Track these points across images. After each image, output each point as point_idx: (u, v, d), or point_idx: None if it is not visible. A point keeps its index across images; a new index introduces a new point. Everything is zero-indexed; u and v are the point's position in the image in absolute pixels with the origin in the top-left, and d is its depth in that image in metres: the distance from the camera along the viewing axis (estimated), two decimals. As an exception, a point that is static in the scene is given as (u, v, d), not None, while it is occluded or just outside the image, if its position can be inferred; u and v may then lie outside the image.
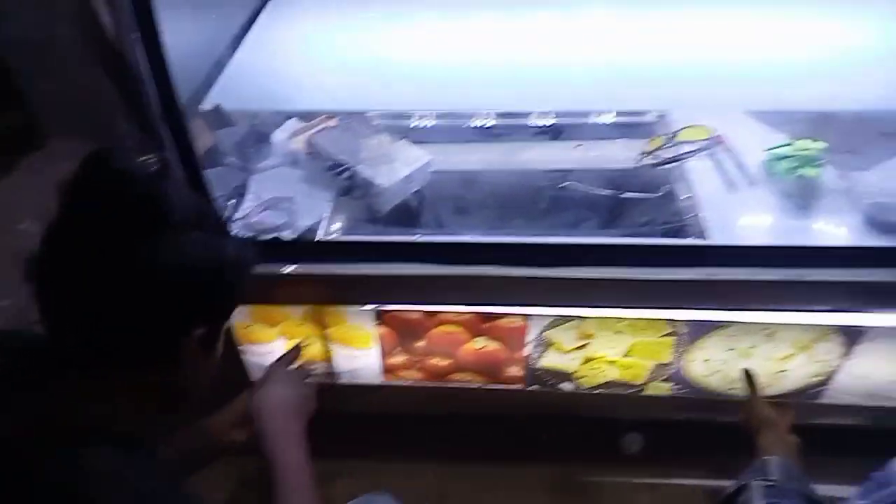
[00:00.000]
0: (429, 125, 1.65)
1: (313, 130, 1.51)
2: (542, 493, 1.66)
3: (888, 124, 1.44)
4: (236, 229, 1.33)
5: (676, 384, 1.52)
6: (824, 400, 1.51)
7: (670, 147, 1.52)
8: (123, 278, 0.66)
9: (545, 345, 1.46)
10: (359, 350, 1.51)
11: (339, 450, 1.51)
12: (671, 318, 1.38)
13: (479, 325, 1.43)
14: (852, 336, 1.37)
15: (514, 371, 1.53)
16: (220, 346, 0.81)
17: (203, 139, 1.37)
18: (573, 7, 1.67)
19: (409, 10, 1.71)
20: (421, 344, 1.48)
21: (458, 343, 1.47)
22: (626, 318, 1.39)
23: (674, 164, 1.49)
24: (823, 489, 0.98)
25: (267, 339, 1.50)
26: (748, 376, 1.24)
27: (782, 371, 1.45)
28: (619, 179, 1.54)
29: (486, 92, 1.49)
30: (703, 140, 1.52)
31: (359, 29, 1.69)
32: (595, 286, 1.30)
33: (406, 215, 1.48)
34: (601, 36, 1.60)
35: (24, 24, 1.03)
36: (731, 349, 1.42)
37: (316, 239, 1.35)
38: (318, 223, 1.38)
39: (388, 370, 1.56)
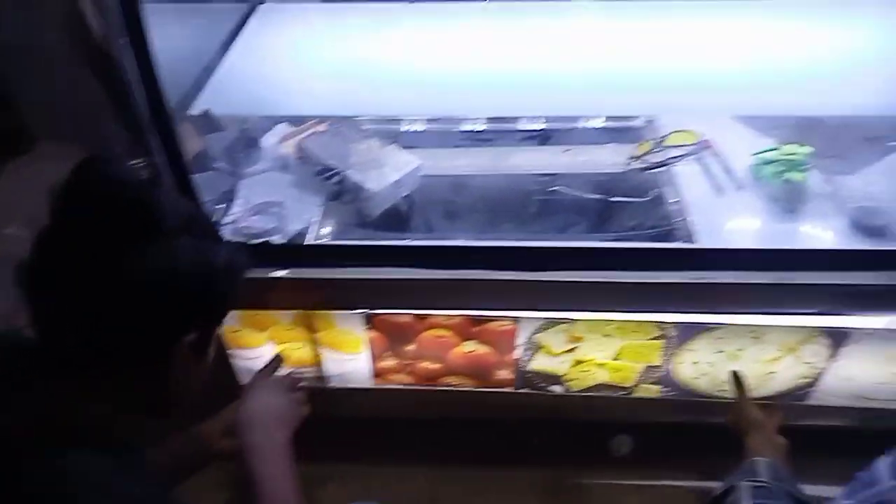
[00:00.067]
0: (418, 130, 1.66)
1: (303, 135, 1.51)
2: (533, 496, 1.66)
3: (873, 129, 1.46)
4: (225, 234, 1.33)
5: (665, 386, 1.53)
6: (811, 401, 1.52)
7: (659, 152, 1.53)
8: (116, 284, 0.66)
9: (535, 348, 1.46)
10: (349, 354, 1.50)
11: (330, 454, 1.51)
12: (660, 320, 1.39)
13: (468, 329, 1.44)
14: (838, 338, 1.38)
15: (504, 374, 1.53)
16: (212, 351, 0.81)
17: (192, 144, 1.37)
18: (562, 13, 1.68)
19: (399, 15, 1.71)
20: (411, 348, 1.48)
21: (448, 347, 1.48)
22: (615, 321, 1.39)
23: (662, 168, 1.50)
24: (811, 490, 0.99)
25: (256, 344, 1.50)
26: (736, 378, 1.24)
27: (770, 373, 1.47)
28: (607, 184, 1.55)
29: (475, 97, 1.50)
30: (691, 145, 1.53)
31: (348, 34, 1.69)
32: (584, 290, 1.30)
33: (396, 220, 1.49)
34: (590, 42, 1.61)
35: (11, 28, 1.02)
36: (720, 351, 1.43)
37: (305, 243, 1.35)
38: (307, 228, 1.38)
39: (378, 374, 1.56)
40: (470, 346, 1.47)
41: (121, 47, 1.01)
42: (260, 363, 1.10)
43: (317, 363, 1.53)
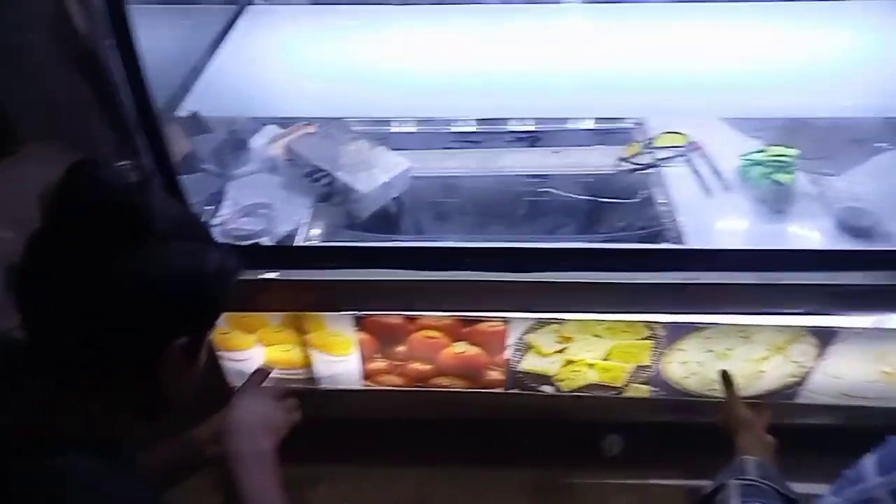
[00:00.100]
0: (408, 131, 1.66)
1: (292, 136, 1.51)
2: (524, 496, 1.66)
3: (859, 131, 1.48)
4: (214, 235, 1.32)
5: (655, 386, 1.53)
6: (800, 400, 1.53)
7: (647, 153, 1.54)
8: (107, 288, 0.65)
9: (525, 348, 1.46)
10: (339, 356, 1.50)
11: (321, 455, 1.50)
12: (649, 320, 1.39)
13: (458, 330, 1.44)
14: (825, 337, 1.39)
15: (495, 375, 1.53)
16: (203, 354, 0.80)
17: (180, 145, 1.36)
18: (552, 16, 1.68)
19: (389, 16, 1.71)
20: (401, 349, 1.48)
21: (438, 348, 1.48)
22: (605, 322, 1.40)
23: (651, 169, 1.51)
24: (799, 487, 1.00)
25: (245, 346, 1.49)
26: (725, 377, 1.25)
27: (759, 372, 1.48)
28: (597, 185, 1.56)
29: (465, 98, 1.50)
30: (680, 146, 1.54)
31: (338, 35, 1.69)
32: (574, 290, 1.31)
33: (385, 221, 1.48)
34: (579, 44, 1.61)
35: (-4, 29, 1.01)
36: (709, 351, 1.44)
37: (295, 245, 1.35)
38: (296, 229, 1.37)
39: (368, 375, 1.55)
40: (460, 347, 1.47)
41: (107, 48, 1.00)
42: (249, 365, 1.09)
43: (307, 365, 1.53)
